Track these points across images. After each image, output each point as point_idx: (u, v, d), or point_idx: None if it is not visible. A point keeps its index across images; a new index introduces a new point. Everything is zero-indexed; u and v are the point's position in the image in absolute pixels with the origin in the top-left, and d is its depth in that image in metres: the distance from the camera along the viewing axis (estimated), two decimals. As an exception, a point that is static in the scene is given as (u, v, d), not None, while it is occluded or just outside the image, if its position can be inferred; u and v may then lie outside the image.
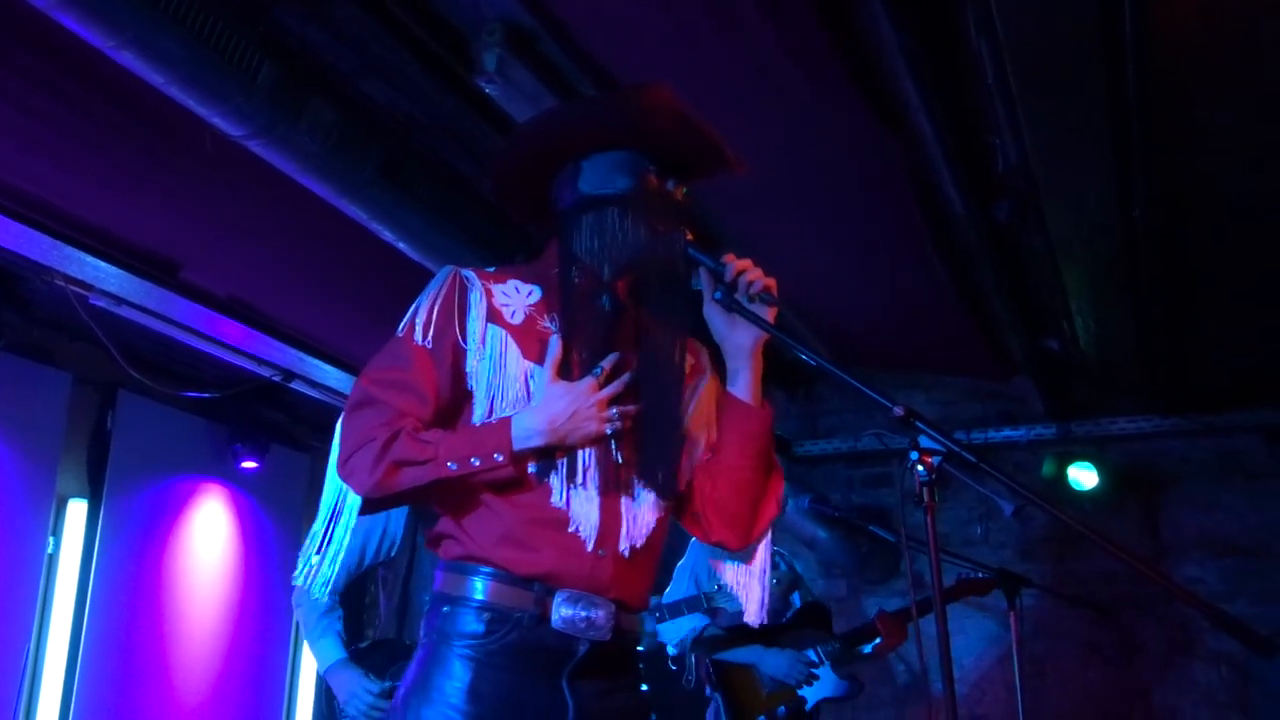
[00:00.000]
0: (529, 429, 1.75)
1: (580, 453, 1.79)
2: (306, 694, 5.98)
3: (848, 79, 3.11)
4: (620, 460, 1.81)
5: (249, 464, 5.58)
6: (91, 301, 4.12)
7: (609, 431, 1.80)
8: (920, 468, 1.68)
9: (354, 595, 3.36)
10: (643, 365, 1.84)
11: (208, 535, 5.57)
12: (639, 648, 1.90)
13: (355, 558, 3.31)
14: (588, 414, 1.77)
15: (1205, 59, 3.11)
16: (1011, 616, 3.93)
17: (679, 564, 4.18)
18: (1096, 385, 5.49)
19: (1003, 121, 3.25)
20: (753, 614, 2.02)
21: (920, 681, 5.96)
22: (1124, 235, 3.78)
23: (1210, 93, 3.29)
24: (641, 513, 1.83)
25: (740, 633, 4.05)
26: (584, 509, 1.78)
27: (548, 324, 1.87)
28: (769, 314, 1.84)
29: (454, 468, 1.72)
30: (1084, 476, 5.84)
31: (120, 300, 4.15)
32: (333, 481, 1.81)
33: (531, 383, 1.81)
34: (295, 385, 5.24)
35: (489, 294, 1.86)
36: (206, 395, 5.27)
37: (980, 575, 4.24)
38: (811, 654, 4.06)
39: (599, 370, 1.80)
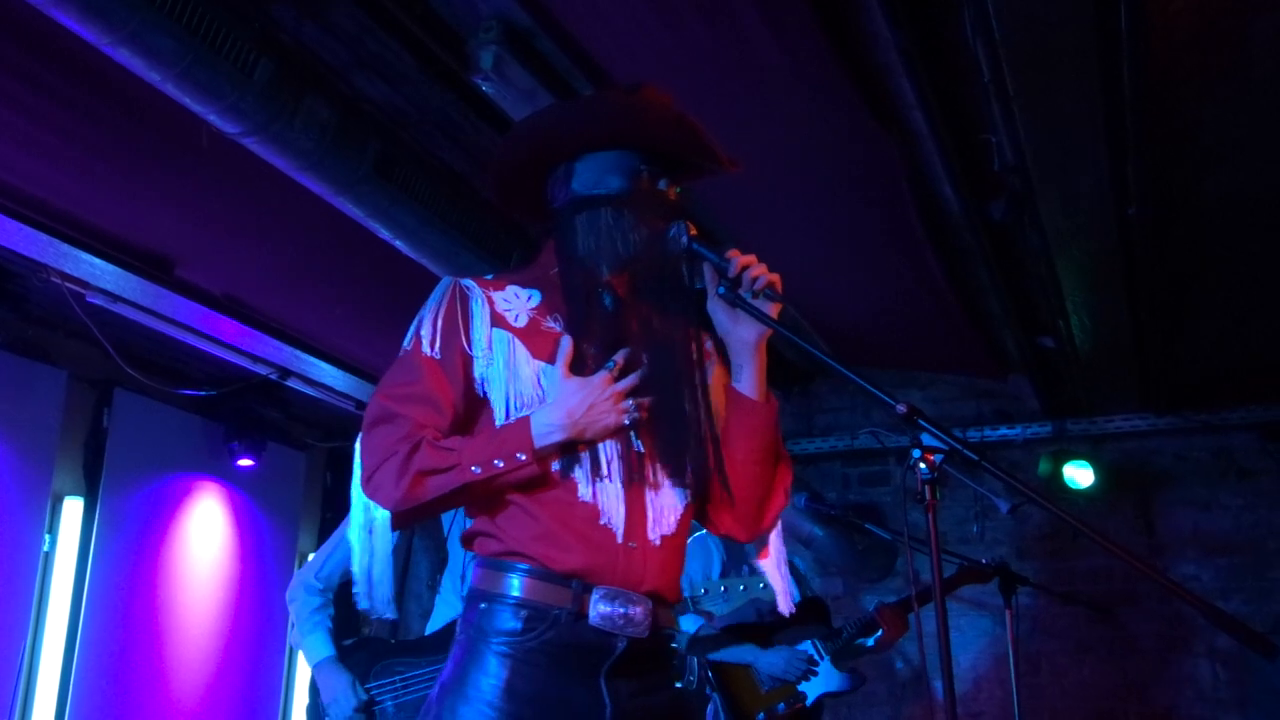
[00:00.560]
0: (548, 425, 1.76)
1: (602, 446, 1.80)
2: (302, 691, 5.98)
3: (843, 77, 3.11)
4: (642, 451, 1.83)
5: (245, 462, 5.57)
6: (87, 299, 4.11)
7: (627, 422, 1.80)
8: (922, 466, 1.68)
9: (348, 593, 3.36)
10: (653, 358, 1.85)
11: (204, 533, 5.56)
12: (674, 644, 1.91)
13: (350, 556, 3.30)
14: (605, 406, 1.78)
15: (1198, 56, 3.12)
16: (1008, 614, 3.94)
17: None
18: (1092, 383, 5.50)
19: (998, 119, 3.26)
20: (782, 604, 2.03)
21: (918, 678, 5.97)
22: (1119, 233, 3.79)
23: (1203, 90, 3.30)
24: (667, 502, 1.84)
25: (735, 632, 4.05)
26: (610, 502, 1.78)
27: (551, 324, 1.87)
28: (773, 310, 1.85)
29: (478, 471, 1.72)
30: (1080, 475, 5.86)
31: (116, 298, 4.14)
32: (358, 501, 1.80)
33: (544, 381, 1.81)
34: (291, 383, 5.23)
35: (490, 301, 1.87)
36: (202, 393, 5.26)
37: (984, 561, 4.24)
38: (810, 649, 4.06)
39: (612, 364, 1.81)
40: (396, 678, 3.31)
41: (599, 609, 1.74)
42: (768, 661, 3.98)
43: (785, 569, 2.05)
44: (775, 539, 2.02)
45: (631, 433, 1.82)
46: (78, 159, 3.45)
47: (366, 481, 1.77)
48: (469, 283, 1.89)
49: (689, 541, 4.31)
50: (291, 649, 5.95)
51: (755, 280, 1.82)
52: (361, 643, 3.40)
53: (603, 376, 1.79)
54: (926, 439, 1.68)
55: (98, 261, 3.92)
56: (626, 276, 1.88)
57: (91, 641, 4.84)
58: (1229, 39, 3.05)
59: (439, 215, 3.48)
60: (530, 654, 1.73)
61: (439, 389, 1.80)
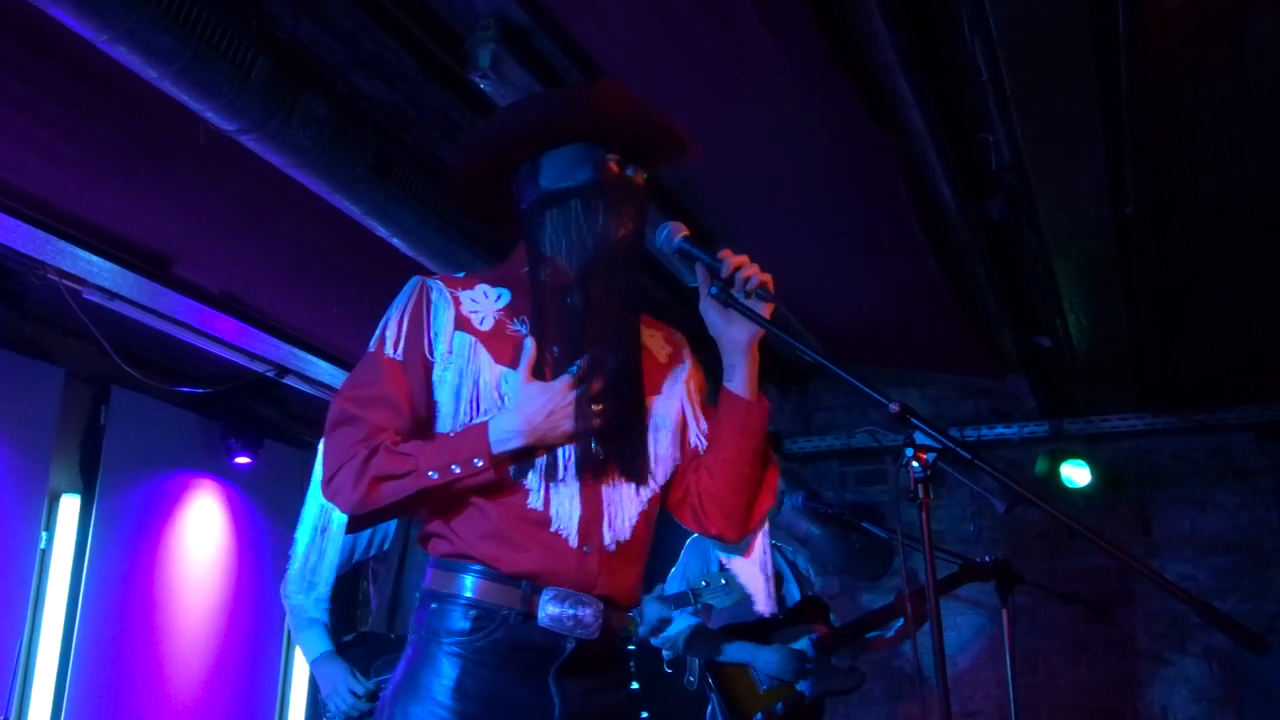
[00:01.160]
0: (507, 431, 1.75)
1: (560, 450, 1.79)
2: (300, 689, 5.98)
3: (841, 76, 3.11)
4: (602, 456, 1.82)
5: (242, 460, 5.56)
6: (85, 296, 4.11)
7: (584, 429, 1.79)
8: (915, 464, 1.68)
9: (345, 589, 3.35)
10: (613, 358, 1.84)
11: (201, 531, 5.56)
12: (629, 646, 1.90)
13: (345, 553, 3.30)
14: (564, 412, 1.77)
15: (1196, 53, 3.13)
16: (1004, 613, 3.93)
17: (672, 570, 4.17)
18: (1089, 383, 5.51)
19: (996, 118, 3.26)
20: (760, 604, 2.04)
21: (914, 677, 5.98)
22: (1117, 232, 3.79)
23: (1201, 88, 3.30)
24: (624, 507, 1.83)
25: (733, 632, 4.05)
26: (565, 507, 1.78)
27: (517, 327, 1.87)
28: (765, 310, 1.84)
29: (435, 477, 1.72)
30: (1077, 474, 5.87)
31: (113, 295, 4.14)
32: (315, 501, 1.81)
33: (504, 387, 1.81)
34: (288, 381, 5.23)
35: (456, 302, 1.87)
36: (200, 391, 5.26)
37: (987, 559, 4.24)
38: (808, 648, 4.05)
39: (575, 369, 1.80)
40: None
41: (548, 610, 1.74)
42: (766, 660, 3.97)
43: (768, 570, 2.04)
44: (760, 539, 2.03)
45: (591, 438, 1.81)
46: (75, 156, 3.45)
47: (327, 484, 1.76)
48: (435, 283, 1.89)
49: (687, 544, 4.30)
50: (288, 647, 5.95)
51: (748, 280, 1.82)
52: (360, 638, 3.39)
53: (564, 382, 1.78)
54: (920, 437, 1.68)
55: (95, 259, 3.91)
56: (596, 273, 1.86)
57: (88, 639, 4.84)
58: (1227, 36, 3.05)
59: (436, 213, 3.48)
60: (480, 653, 1.74)
61: (399, 390, 1.80)
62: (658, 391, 1.93)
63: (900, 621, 4.19)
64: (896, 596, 4.24)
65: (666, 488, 1.93)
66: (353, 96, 3.29)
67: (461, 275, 1.96)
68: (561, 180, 1.88)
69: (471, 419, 1.80)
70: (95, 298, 4.14)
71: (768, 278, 1.84)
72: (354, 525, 1.79)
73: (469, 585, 1.76)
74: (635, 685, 1.90)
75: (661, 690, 4.56)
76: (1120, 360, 5.09)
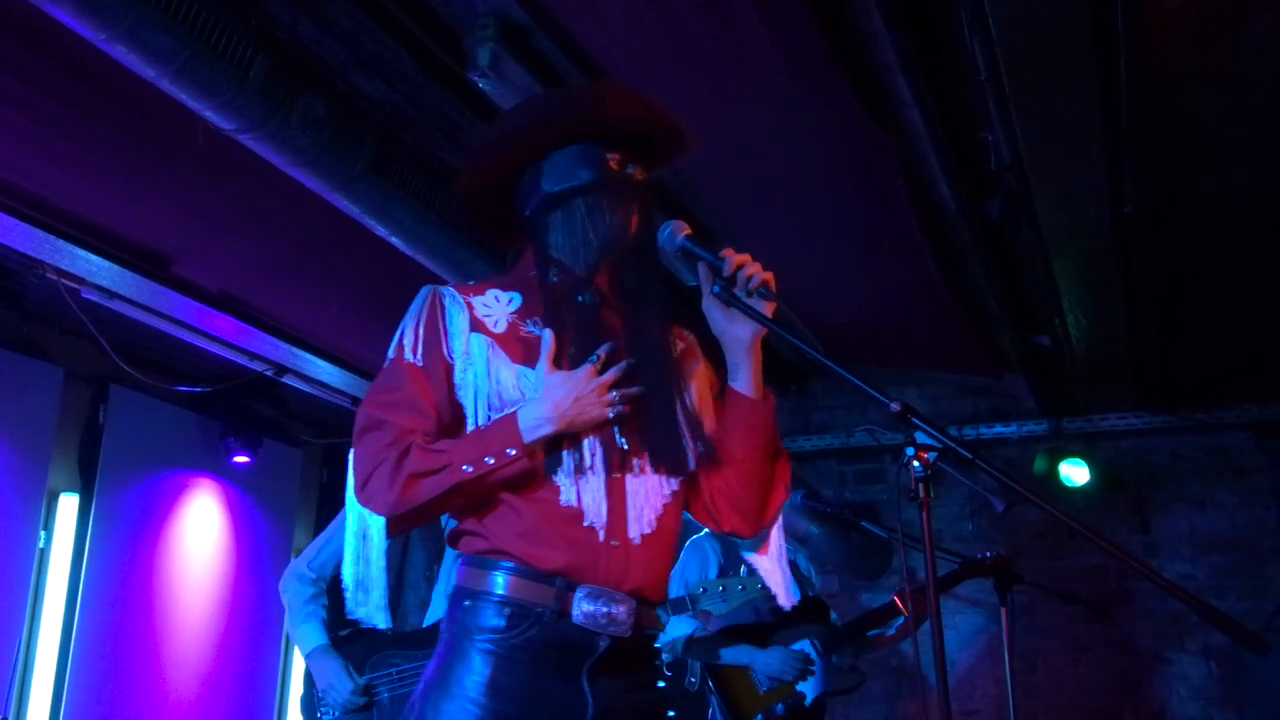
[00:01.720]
0: (536, 419, 1.76)
1: (586, 441, 1.80)
2: (298, 687, 5.98)
3: (841, 76, 3.11)
4: (626, 446, 1.83)
5: (241, 459, 5.57)
6: (84, 295, 4.11)
7: (612, 415, 1.81)
8: (916, 463, 1.68)
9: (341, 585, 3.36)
10: (635, 350, 1.86)
11: (199, 530, 5.56)
12: (658, 644, 1.91)
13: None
14: (590, 399, 1.78)
15: (1196, 53, 3.13)
16: (1003, 612, 3.93)
17: (671, 572, 4.16)
18: (1088, 382, 5.51)
19: (995, 118, 3.26)
20: (781, 597, 2.05)
21: (912, 676, 5.98)
22: (1116, 231, 3.79)
23: (1201, 87, 3.30)
24: (650, 498, 1.84)
25: (733, 634, 4.04)
26: (593, 500, 1.79)
27: (530, 328, 1.88)
28: (767, 309, 1.85)
29: (469, 470, 1.73)
30: (1075, 473, 5.87)
31: (112, 294, 4.14)
32: (352, 509, 1.81)
33: (523, 384, 1.82)
34: (287, 380, 5.23)
35: (470, 307, 1.88)
36: (198, 390, 5.26)
37: (988, 555, 4.23)
38: (808, 649, 4.05)
39: (596, 357, 1.82)
40: (393, 669, 3.30)
41: (582, 608, 1.75)
42: (765, 662, 3.97)
43: (785, 563, 2.06)
44: (776, 533, 2.05)
45: (615, 428, 1.83)
46: (74, 155, 3.45)
47: (360, 489, 1.77)
48: (448, 290, 1.91)
49: (685, 545, 4.30)
50: (287, 645, 5.95)
51: (750, 279, 1.82)
52: (357, 634, 3.39)
53: (587, 369, 1.80)
54: (920, 437, 1.68)
55: (94, 258, 3.91)
56: (607, 271, 1.90)
57: (87, 638, 4.84)
58: (1227, 36, 3.05)
59: (436, 212, 3.48)
60: (514, 651, 1.74)
61: (423, 394, 1.81)
62: (681, 384, 1.94)
63: (901, 620, 4.19)
64: (896, 595, 4.24)
65: (693, 479, 1.93)
66: (352, 95, 3.28)
67: (472, 283, 1.97)
68: (563, 181, 1.90)
69: (493, 417, 1.81)
70: (94, 297, 4.14)
71: (769, 276, 1.84)
72: (393, 528, 1.80)
73: (502, 582, 1.77)
74: (663, 684, 1.90)
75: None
76: (1119, 359, 5.09)
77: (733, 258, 1.83)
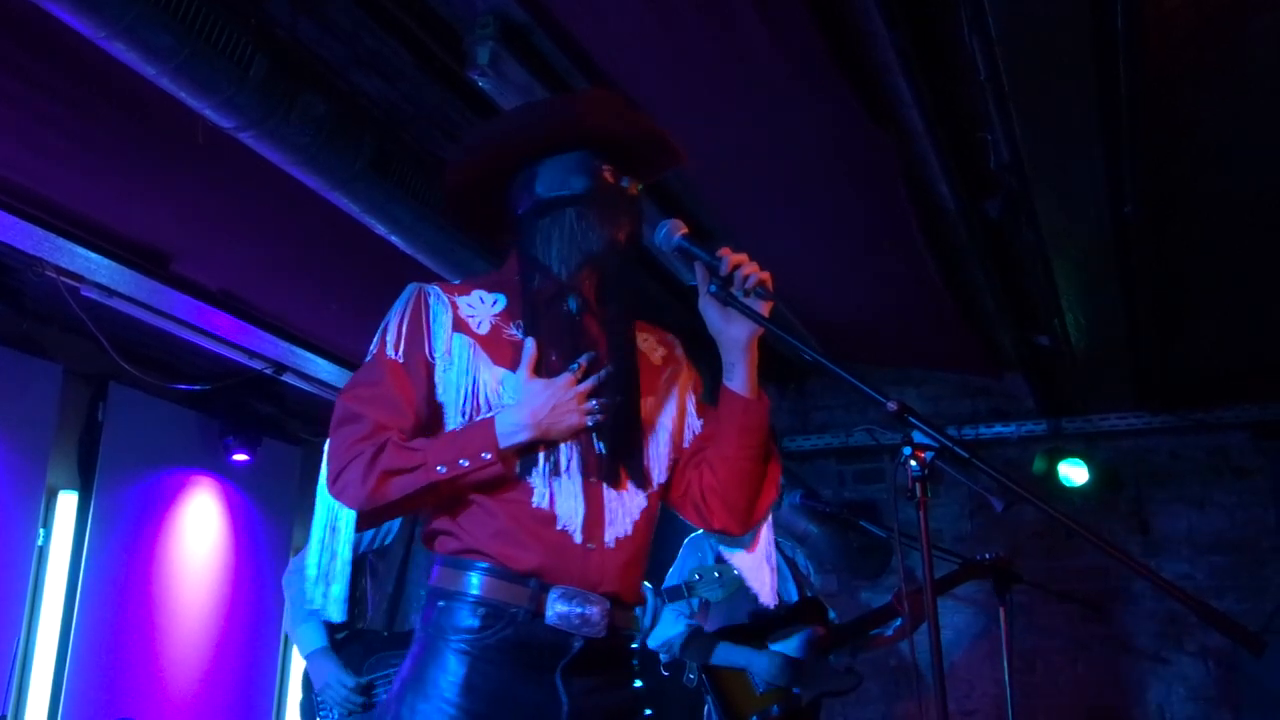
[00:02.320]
0: (513, 424, 1.77)
1: (563, 447, 1.81)
2: (297, 686, 5.97)
3: (840, 76, 3.11)
4: (603, 452, 1.84)
5: (240, 457, 5.56)
6: (83, 293, 4.11)
7: (590, 424, 1.82)
8: (913, 463, 1.68)
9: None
10: (617, 361, 1.87)
11: (198, 528, 5.56)
12: (633, 644, 1.91)
13: (355, 549, 3.29)
14: (568, 407, 1.80)
15: (1196, 53, 3.13)
16: (1001, 611, 3.93)
17: (670, 570, 4.16)
18: (1087, 381, 5.51)
19: (995, 117, 3.26)
20: (765, 597, 2.04)
21: (910, 676, 5.98)
22: (1115, 231, 3.79)
23: (1200, 87, 3.30)
24: (625, 504, 1.85)
25: (730, 634, 4.04)
26: (569, 504, 1.80)
27: (514, 331, 1.89)
28: (764, 308, 1.85)
29: (443, 471, 1.74)
30: (1074, 473, 5.87)
31: (111, 292, 4.14)
32: (323, 500, 1.81)
33: (503, 388, 1.83)
34: (286, 378, 5.23)
35: (454, 306, 1.89)
36: (198, 388, 5.25)
37: (988, 556, 4.24)
38: (805, 651, 4.04)
39: (576, 365, 1.83)
40: (390, 670, 3.30)
41: (556, 608, 1.75)
42: (762, 666, 3.97)
43: (772, 562, 2.06)
44: (765, 531, 2.04)
45: (594, 434, 1.84)
46: (74, 154, 3.45)
47: (333, 482, 1.78)
48: (433, 288, 1.91)
49: (684, 543, 4.29)
50: (285, 643, 5.95)
51: (747, 279, 1.83)
52: (356, 635, 3.39)
53: (566, 378, 1.81)
54: (917, 436, 1.68)
55: (93, 256, 3.91)
56: (592, 279, 1.90)
57: (86, 636, 4.84)
58: (1227, 36, 3.05)
59: (435, 211, 3.48)
60: (488, 651, 1.74)
61: (402, 391, 1.81)
62: (653, 393, 1.96)
63: (899, 621, 4.19)
64: (894, 595, 4.24)
65: (665, 487, 1.95)
66: (351, 94, 3.28)
67: (458, 282, 1.98)
68: (557, 188, 1.90)
69: (472, 419, 1.82)
70: (93, 294, 4.14)
71: (766, 276, 1.84)
72: (363, 521, 1.80)
73: (477, 583, 1.77)
74: (639, 684, 1.91)
75: (662, 687, 4.57)
76: (1118, 359, 5.10)
77: (730, 257, 1.83)
